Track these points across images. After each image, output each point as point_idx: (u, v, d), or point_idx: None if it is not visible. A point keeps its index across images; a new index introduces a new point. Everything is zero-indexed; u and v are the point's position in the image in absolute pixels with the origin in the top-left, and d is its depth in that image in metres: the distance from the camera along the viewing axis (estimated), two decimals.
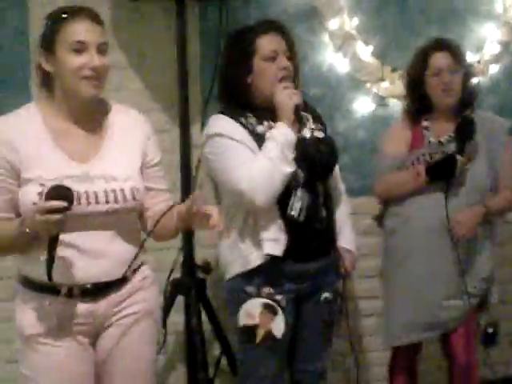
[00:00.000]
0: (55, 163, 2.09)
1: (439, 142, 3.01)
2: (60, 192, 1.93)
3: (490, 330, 3.38)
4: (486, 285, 3.07)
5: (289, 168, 2.53)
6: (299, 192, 2.57)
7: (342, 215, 2.83)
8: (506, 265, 3.92)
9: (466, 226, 2.93)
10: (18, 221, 2.04)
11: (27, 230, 1.98)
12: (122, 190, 2.16)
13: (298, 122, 2.60)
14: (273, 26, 2.67)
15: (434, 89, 2.99)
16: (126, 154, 2.22)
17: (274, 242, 2.56)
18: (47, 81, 2.16)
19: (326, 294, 2.72)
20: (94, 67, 2.09)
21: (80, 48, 2.08)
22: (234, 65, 2.64)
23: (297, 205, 2.56)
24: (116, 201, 2.14)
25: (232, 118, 2.62)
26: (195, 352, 3.10)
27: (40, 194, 1.99)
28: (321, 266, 2.68)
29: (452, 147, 2.97)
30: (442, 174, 2.91)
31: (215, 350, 3.39)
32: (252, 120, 2.62)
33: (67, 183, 2.00)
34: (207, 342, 3.22)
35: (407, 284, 3.03)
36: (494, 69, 3.78)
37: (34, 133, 2.11)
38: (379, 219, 3.22)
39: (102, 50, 2.13)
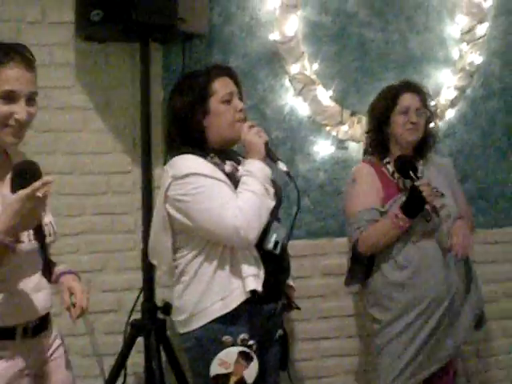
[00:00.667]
0: None
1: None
2: (30, 169, 1.89)
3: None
4: (482, 303, 3.16)
5: (272, 202, 2.56)
6: (274, 225, 2.58)
7: None
8: None
9: (465, 244, 3.01)
10: None
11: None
12: (47, 225, 2.15)
13: (270, 158, 2.63)
14: (224, 70, 2.72)
15: (399, 126, 3.07)
16: None
17: (256, 277, 2.51)
18: None
19: (280, 331, 2.73)
20: (19, 119, 2.00)
21: (9, 97, 1.99)
22: (189, 107, 2.62)
23: (273, 237, 2.56)
24: (50, 234, 2.14)
25: (200, 156, 2.57)
26: None
27: None
28: (283, 304, 2.69)
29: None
30: (415, 206, 2.92)
31: None
32: (216, 160, 2.60)
33: None
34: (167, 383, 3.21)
35: (428, 331, 3.00)
36: (450, 113, 3.87)
37: None
38: (352, 277, 3.19)
39: (31, 99, 2.05)
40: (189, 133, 2.63)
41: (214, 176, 2.51)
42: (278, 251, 2.56)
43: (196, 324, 2.57)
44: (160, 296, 3.24)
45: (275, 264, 2.60)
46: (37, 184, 1.80)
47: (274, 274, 2.60)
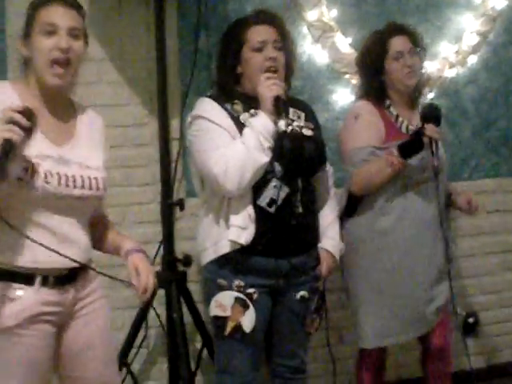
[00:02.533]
0: (34, 141, 2.02)
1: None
2: (27, 112, 1.93)
3: (471, 320, 3.40)
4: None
5: (264, 158, 2.54)
6: (273, 183, 2.58)
7: (329, 217, 2.84)
8: (484, 255, 3.95)
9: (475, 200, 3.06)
10: None
11: None
12: (96, 179, 2.19)
13: (277, 114, 2.59)
14: (265, 17, 2.72)
15: (396, 73, 3.00)
16: (93, 147, 2.25)
17: (241, 229, 2.57)
18: (24, 66, 2.16)
19: (302, 293, 2.73)
20: (61, 49, 2.07)
21: (51, 30, 2.08)
22: (225, 55, 2.72)
23: (268, 194, 2.57)
24: (90, 188, 2.16)
25: (217, 102, 2.66)
26: (177, 345, 3.09)
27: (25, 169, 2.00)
28: (297, 263, 2.69)
29: None
30: (413, 148, 2.87)
31: (197, 342, 3.38)
32: (238, 107, 2.67)
33: (48, 163, 2.04)
34: (189, 335, 3.21)
35: (399, 283, 2.98)
36: (472, 59, 3.79)
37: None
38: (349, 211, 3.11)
39: (73, 34, 2.11)
40: (225, 79, 2.72)
41: (218, 122, 2.61)
42: (272, 210, 2.58)
43: (201, 262, 2.75)
44: (180, 248, 3.23)
45: (274, 222, 2.60)
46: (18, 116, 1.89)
47: (273, 231, 2.61)
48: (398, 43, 3.01)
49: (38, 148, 2.04)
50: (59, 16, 2.10)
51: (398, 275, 2.96)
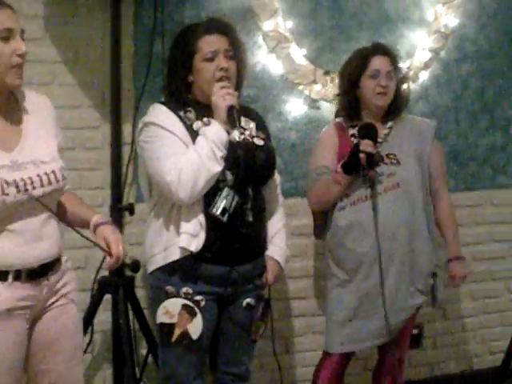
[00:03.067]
0: None
1: None
2: None
3: (415, 332, 3.45)
4: (432, 281, 3.14)
5: (217, 167, 2.55)
6: (225, 192, 2.59)
7: (276, 226, 2.87)
8: None
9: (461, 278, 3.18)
10: None
11: None
12: (54, 172, 2.20)
13: (231, 124, 2.61)
14: (216, 26, 2.71)
15: (369, 91, 3.05)
16: (44, 136, 2.24)
17: (192, 237, 2.58)
18: None
19: (248, 300, 2.75)
20: (21, 54, 2.09)
21: (8, 35, 2.07)
22: (176, 64, 2.70)
23: (220, 204, 2.58)
24: (50, 183, 2.18)
25: (170, 109, 2.66)
26: (122, 351, 3.08)
27: None
28: (245, 271, 2.71)
29: (382, 151, 3.03)
30: (353, 164, 2.92)
31: (143, 349, 3.37)
32: (191, 115, 2.67)
33: (2, 173, 2.05)
34: (134, 341, 3.19)
35: (361, 293, 3.05)
36: (423, 75, 3.86)
37: None
38: (316, 231, 3.26)
39: (22, 36, 2.13)
40: (176, 88, 2.71)
41: (171, 129, 2.60)
42: (225, 219, 2.58)
43: (149, 269, 2.74)
44: (128, 253, 3.20)
45: (224, 230, 2.61)
46: None
47: (224, 239, 2.62)
48: (377, 62, 3.05)
49: None
50: (9, 19, 2.08)
51: (364, 285, 3.04)
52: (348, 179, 2.95)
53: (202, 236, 2.59)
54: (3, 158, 2.10)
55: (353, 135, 3.08)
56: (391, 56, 3.11)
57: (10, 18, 2.09)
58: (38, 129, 2.24)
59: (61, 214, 2.34)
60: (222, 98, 2.60)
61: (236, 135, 2.64)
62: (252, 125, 2.78)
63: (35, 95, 2.32)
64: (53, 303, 2.27)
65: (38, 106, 2.29)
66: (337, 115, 3.26)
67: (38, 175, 2.15)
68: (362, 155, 2.87)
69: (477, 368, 4.21)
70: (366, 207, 2.98)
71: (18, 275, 2.13)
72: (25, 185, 2.10)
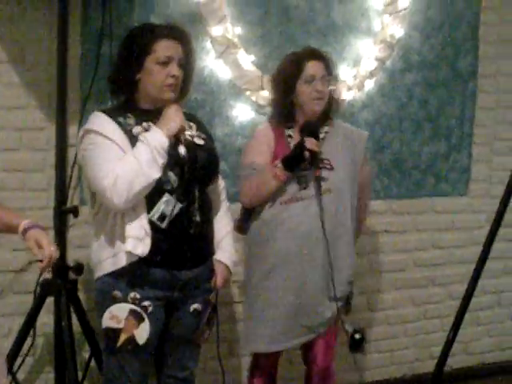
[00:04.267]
0: None
1: None
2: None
3: (357, 337, 3.49)
4: (350, 288, 3.18)
5: (156, 173, 2.56)
6: (165, 197, 2.60)
7: (223, 230, 2.88)
8: (372, 273, 4.08)
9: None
10: None
11: None
12: None
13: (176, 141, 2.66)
14: (175, 32, 2.72)
15: (305, 96, 3.06)
16: None
17: (138, 240, 2.57)
18: None
19: (195, 305, 2.76)
20: None
21: None
22: (126, 60, 2.69)
23: (159, 209, 2.60)
24: None
25: (110, 116, 2.65)
26: (64, 354, 3.04)
27: None
28: (194, 275, 2.71)
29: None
30: (295, 160, 2.95)
31: (85, 352, 3.35)
32: (131, 121, 2.66)
33: None
34: (77, 345, 3.17)
35: (277, 292, 3.06)
36: (369, 84, 3.91)
37: None
38: (241, 226, 3.23)
39: None
40: (121, 84, 2.72)
41: (109, 136, 2.59)
42: (164, 225, 2.60)
43: (96, 274, 2.71)
44: (72, 256, 3.19)
45: (171, 232, 2.62)
46: None
47: (171, 241, 2.63)
48: (312, 67, 3.06)
49: None
50: None
51: (285, 283, 3.05)
52: (287, 175, 2.97)
53: (148, 240, 2.59)
54: None
55: (289, 135, 3.11)
56: (325, 60, 3.13)
57: None
58: None
59: None
60: (178, 116, 2.66)
61: (182, 151, 2.67)
62: (193, 126, 2.81)
63: None
64: None
65: None
66: (271, 118, 3.24)
67: None
68: (306, 153, 2.90)
69: (417, 373, 4.29)
70: (296, 208, 3.01)
71: None
72: None
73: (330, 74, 3.13)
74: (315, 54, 3.12)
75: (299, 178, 3.01)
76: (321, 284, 3.07)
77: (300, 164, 2.95)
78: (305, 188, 3.02)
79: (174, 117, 2.65)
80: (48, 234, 2.34)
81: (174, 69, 2.67)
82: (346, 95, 3.84)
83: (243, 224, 3.20)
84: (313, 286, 3.06)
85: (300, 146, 2.94)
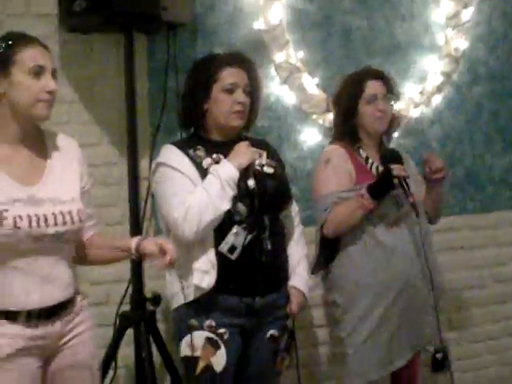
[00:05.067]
0: (1, 187, 2.09)
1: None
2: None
3: (439, 356, 3.42)
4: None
5: (226, 205, 2.58)
6: (235, 229, 2.61)
7: (297, 255, 2.86)
8: (452, 291, 3.99)
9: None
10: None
11: None
12: (70, 213, 2.20)
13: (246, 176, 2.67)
14: (238, 59, 2.76)
15: (368, 116, 3.05)
16: (67, 177, 2.26)
17: (204, 273, 2.60)
18: None
19: (271, 331, 2.75)
20: (51, 91, 2.14)
21: (37, 72, 2.12)
22: (194, 90, 2.74)
23: (229, 241, 2.61)
24: (64, 223, 2.17)
25: (180, 149, 2.69)
26: None
27: None
28: (268, 302, 2.71)
29: None
30: (383, 189, 2.90)
31: (166, 382, 3.37)
32: (201, 153, 2.70)
33: (17, 207, 2.06)
34: (158, 375, 3.20)
35: (382, 319, 3.01)
36: (436, 99, 3.88)
37: None
38: (317, 264, 3.14)
39: (54, 76, 2.19)
40: (189, 115, 2.78)
41: (180, 169, 2.64)
42: (233, 257, 2.61)
43: (172, 305, 2.75)
44: (149, 287, 3.23)
45: (237, 265, 2.62)
46: None
47: (237, 274, 2.64)
48: (373, 87, 3.06)
49: (5, 194, 2.07)
50: (43, 58, 2.15)
51: (391, 309, 3.01)
52: (375, 204, 2.91)
53: (213, 273, 2.61)
54: (20, 191, 2.12)
55: (367, 157, 3.07)
56: (385, 79, 3.11)
57: (42, 55, 2.15)
58: (62, 168, 2.26)
59: (84, 256, 2.38)
60: (247, 150, 2.69)
61: (252, 184, 2.67)
62: (263, 154, 2.80)
63: (63, 137, 2.36)
64: (65, 343, 2.26)
65: (64, 147, 2.32)
66: (333, 140, 3.20)
67: (53, 213, 2.15)
68: (395, 180, 2.86)
69: None
70: (398, 230, 2.98)
71: (29, 316, 2.14)
72: (38, 221, 2.10)
73: (390, 92, 3.12)
74: (375, 73, 3.11)
75: (395, 199, 2.97)
76: (422, 302, 3.03)
77: (389, 192, 2.91)
78: (402, 206, 2.97)
79: (245, 151, 2.68)
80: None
81: (240, 95, 2.70)
82: (414, 112, 3.81)
83: (319, 260, 3.12)
84: (416, 305, 3.03)
85: (388, 174, 2.88)
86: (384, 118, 3.06)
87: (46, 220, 2.12)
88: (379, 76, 3.10)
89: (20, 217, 2.07)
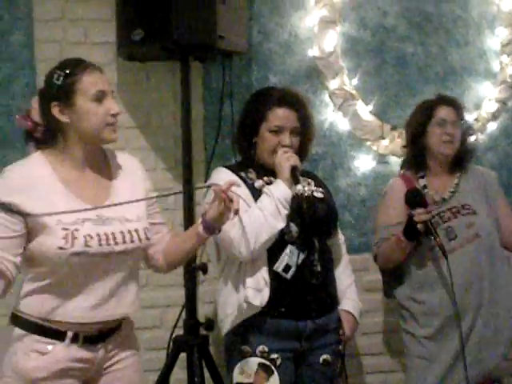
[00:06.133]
0: (70, 208, 2.12)
1: (443, 198, 3.06)
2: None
3: None
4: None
5: (280, 223, 2.61)
6: (289, 248, 2.64)
7: (346, 280, 2.87)
8: None
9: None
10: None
11: None
12: (137, 231, 2.24)
13: (294, 182, 2.67)
14: (288, 99, 2.77)
15: (436, 139, 3.06)
16: (132, 195, 2.28)
17: (256, 291, 2.61)
18: (56, 131, 2.19)
19: (324, 356, 2.74)
20: (115, 114, 2.19)
21: (100, 96, 2.17)
22: (245, 125, 2.80)
23: (284, 260, 2.63)
24: (132, 241, 2.22)
25: (232, 171, 2.74)
26: None
27: (65, 237, 2.07)
28: (320, 325, 2.70)
29: (455, 202, 3.04)
30: (413, 231, 2.89)
31: None
32: (252, 175, 2.76)
33: (87, 227, 2.10)
34: None
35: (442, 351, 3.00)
36: (492, 126, 3.84)
37: (45, 180, 2.15)
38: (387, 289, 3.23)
39: (113, 97, 2.24)
40: (241, 146, 2.84)
41: (233, 190, 2.58)
42: (288, 276, 2.63)
43: (223, 330, 2.76)
44: (202, 312, 3.26)
45: (289, 285, 2.64)
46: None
47: (294, 292, 2.64)
48: (443, 112, 3.08)
49: (75, 214, 2.11)
50: (102, 81, 2.19)
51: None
52: (410, 244, 2.94)
53: (267, 291, 2.62)
54: (90, 212, 2.15)
55: (424, 186, 3.08)
56: (456, 106, 3.13)
57: (101, 79, 2.20)
58: (127, 188, 2.29)
59: (162, 264, 2.44)
60: (286, 159, 2.68)
61: (299, 188, 2.69)
62: (311, 182, 2.85)
63: (127, 156, 2.41)
64: (109, 367, 2.28)
65: (128, 167, 2.36)
66: (403, 167, 3.27)
67: (122, 232, 2.19)
68: (419, 226, 2.86)
69: None
70: (451, 260, 2.91)
71: (76, 337, 2.17)
72: (107, 239, 2.14)
73: (461, 119, 3.13)
74: (447, 100, 3.14)
75: (446, 230, 2.98)
76: (485, 332, 2.99)
77: (419, 236, 2.91)
78: (454, 239, 2.97)
79: (282, 161, 2.67)
80: None
81: (286, 139, 2.73)
82: (469, 139, 3.77)
83: (388, 287, 3.20)
84: (477, 336, 2.98)
85: (411, 221, 2.89)
86: (451, 142, 3.06)
87: (114, 238, 2.16)
88: (451, 103, 3.13)
89: (90, 236, 2.12)
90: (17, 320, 2.20)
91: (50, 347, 2.15)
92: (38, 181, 2.13)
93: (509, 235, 3.13)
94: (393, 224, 3.02)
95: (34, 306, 2.16)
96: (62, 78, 2.16)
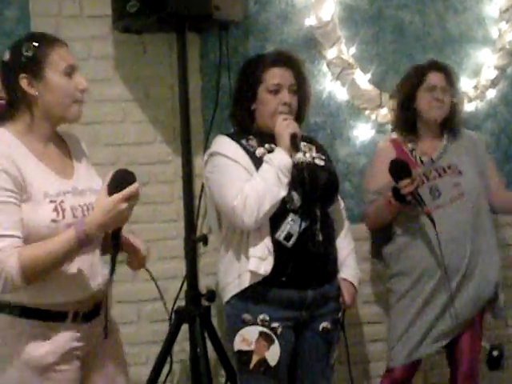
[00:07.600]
0: (50, 181, 2.10)
1: (431, 159, 3.12)
2: (125, 177, 2.05)
3: (495, 354, 3.39)
4: (495, 289, 3.14)
5: (282, 192, 2.61)
6: (291, 217, 2.64)
7: (346, 248, 2.88)
8: (507, 288, 3.93)
9: None
10: (70, 232, 2.00)
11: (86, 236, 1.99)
12: None
13: (295, 150, 2.67)
14: (283, 59, 2.78)
15: (425, 103, 3.12)
16: (89, 170, 2.30)
17: (261, 260, 2.62)
18: (21, 104, 2.12)
19: (324, 324, 2.75)
20: (84, 89, 2.16)
21: (70, 71, 2.13)
22: (241, 92, 2.79)
23: (286, 229, 2.63)
24: None
25: (232, 139, 2.74)
26: (201, 380, 3.11)
27: (55, 209, 2.05)
28: (319, 294, 2.72)
29: (443, 162, 3.11)
30: (400, 199, 2.93)
31: (221, 377, 3.41)
32: (253, 142, 2.75)
33: (69, 199, 2.09)
34: (213, 370, 3.24)
35: (418, 307, 3.09)
36: (491, 93, 3.82)
37: (20, 153, 2.08)
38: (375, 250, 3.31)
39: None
40: (240, 114, 2.80)
41: (233, 158, 2.67)
42: (289, 244, 2.63)
43: (224, 298, 2.77)
44: (204, 283, 3.27)
45: (295, 252, 2.64)
46: (128, 190, 2.01)
47: (295, 261, 2.65)
48: (434, 78, 3.13)
49: (55, 186, 2.10)
50: (71, 56, 2.16)
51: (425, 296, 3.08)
52: (398, 206, 2.97)
53: (271, 260, 2.63)
54: (65, 184, 2.14)
55: (413, 149, 3.14)
56: (447, 72, 3.18)
57: (70, 54, 2.16)
58: (83, 160, 2.29)
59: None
60: (286, 126, 2.67)
61: (299, 157, 2.70)
62: (312, 148, 2.84)
63: (68, 132, 2.34)
64: (102, 341, 2.26)
65: (76, 142, 2.35)
66: (393, 130, 3.31)
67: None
68: (408, 197, 2.90)
69: None
70: (436, 216, 2.96)
71: (76, 316, 2.15)
72: (88, 210, 2.13)
73: (451, 85, 3.16)
74: (437, 66, 3.18)
75: (430, 189, 3.05)
76: (465, 284, 3.07)
77: (408, 203, 2.94)
78: (439, 196, 3.04)
79: (282, 129, 2.67)
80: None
81: (286, 96, 2.72)
82: (468, 106, 3.76)
83: (377, 248, 3.29)
84: (458, 285, 3.06)
85: (396, 194, 2.92)
86: (441, 107, 3.11)
87: (93, 208, 2.09)
88: (442, 68, 3.17)
89: (74, 207, 2.11)
90: (14, 309, 2.10)
91: (54, 331, 2.12)
92: (15, 154, 2.06)
93: (496, 194, 3.22)
94: (381, 188, 3.06)
95: (30, 290, 2.06)
96: (31, 50, 2.10)
